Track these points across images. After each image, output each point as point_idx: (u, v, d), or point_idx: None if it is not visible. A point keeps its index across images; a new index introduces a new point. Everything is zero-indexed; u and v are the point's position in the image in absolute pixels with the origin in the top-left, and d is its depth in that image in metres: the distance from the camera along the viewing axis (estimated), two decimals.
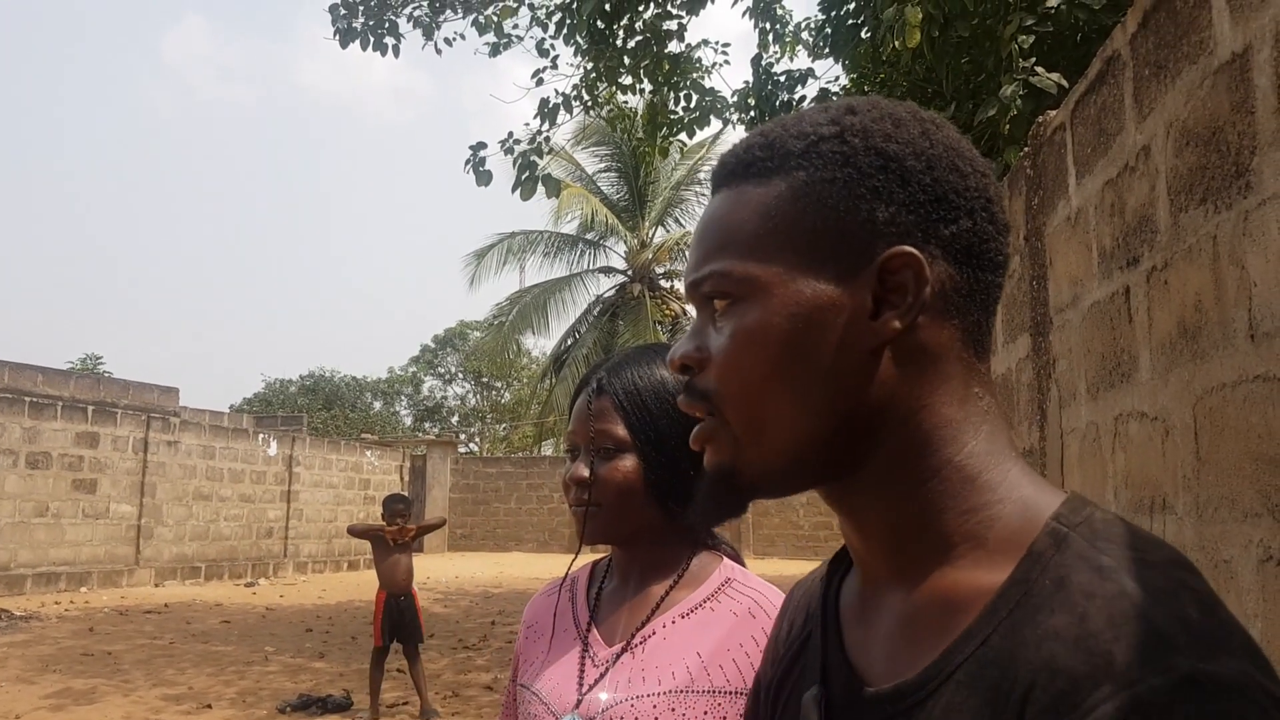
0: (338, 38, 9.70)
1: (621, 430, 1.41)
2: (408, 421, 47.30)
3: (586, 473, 1.41)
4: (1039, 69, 5.54)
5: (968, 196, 0.72)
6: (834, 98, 7.87)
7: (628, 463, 1.40)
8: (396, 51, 9.96)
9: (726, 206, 0.76)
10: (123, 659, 9.89)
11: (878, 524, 0.73)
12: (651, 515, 1.42)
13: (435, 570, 20.50)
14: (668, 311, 23.62)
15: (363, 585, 16.64)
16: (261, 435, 20.82)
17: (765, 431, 0.72)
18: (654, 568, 1.44)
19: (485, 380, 45.50)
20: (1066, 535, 0.65)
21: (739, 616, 1.36)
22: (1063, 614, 0.60)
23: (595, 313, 23.53)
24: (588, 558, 1.62)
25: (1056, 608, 0.61)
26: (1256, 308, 1.99)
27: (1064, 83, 5.13)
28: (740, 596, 1.38)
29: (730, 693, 1.30)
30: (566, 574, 1.58)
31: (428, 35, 10.16)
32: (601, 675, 1.38)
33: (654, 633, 1.38)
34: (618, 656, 1.38)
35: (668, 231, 24.55)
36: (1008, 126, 5.52)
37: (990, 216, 0.73)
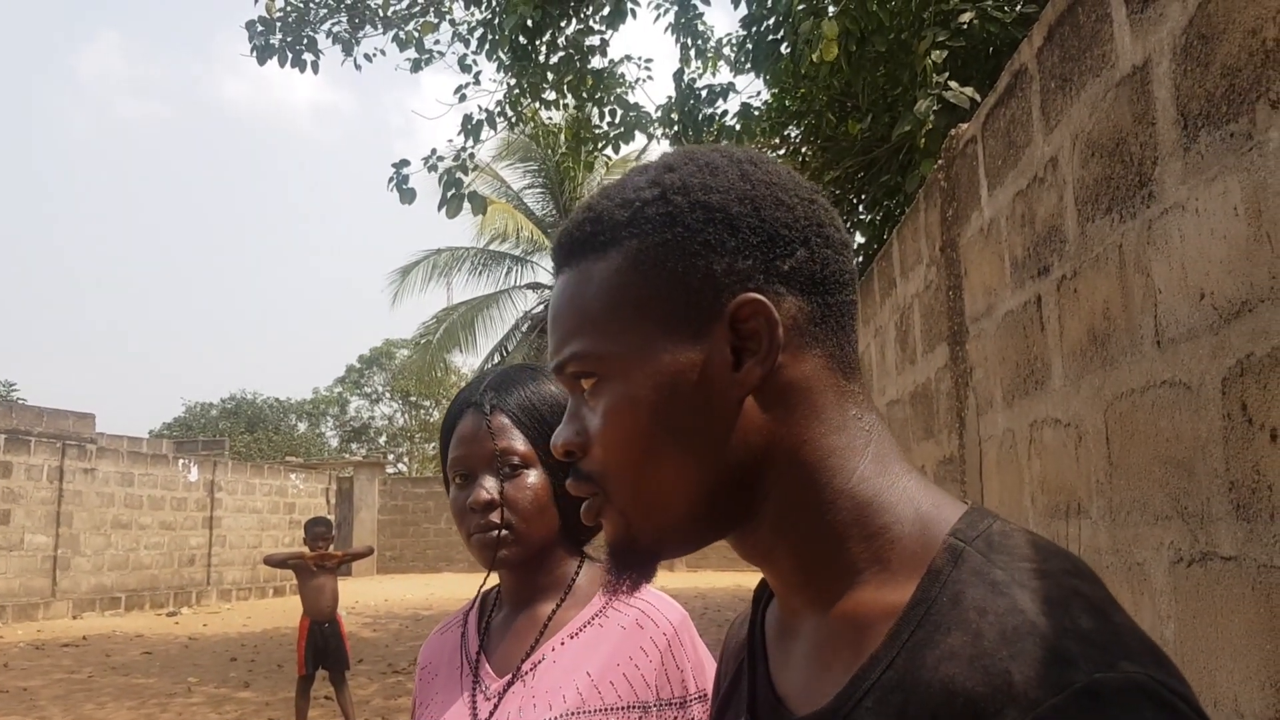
0: (255, 54, 9.54)
1: (523, 445, 1.38)
2: (334, 443, 46.62)
3: (494, 495, 1.37)
4: (953, 83, 5.64)
5: (798, 227, 0.73)
6: (755, 112, 7.97)
7: (534, 478, 1.38)
8: (316, 68, 9.81)
9: (572, 286, 0.76)
10: (39, 695, 9.55)
11: (785, 561, 0.74)
12: (551, 527, 1.40)
13: (364, 594, 20.15)
14: None
15: (289, 611, 16.30)
16: (182, 461, 20.32)
17: (653, 502, 0.73)
18: (541, 589, 1.43)
19: (413, 399, 45.01)
20: (962, 550, 0.66)
21: (626, 629, 1.34)
22: (958, 632, 0.61)
23: (523, 329, 23.42)
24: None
25: (952, 626, 0.62)
26: (1162, 314, 2.04)
27: (977, 96, 5.24)
28: (627, 609, 1.37)
29: (622, 708, 1.28)
30: (476, 598, 1.55)
31: (347, 51, 10.04)
32: (494, 708, 1.35)
33: (543, 658, 1.36)
34: (508, 687, 1.36)
35: None
36: (924, 140, 5.62)
37: (825, 240, 0.74)
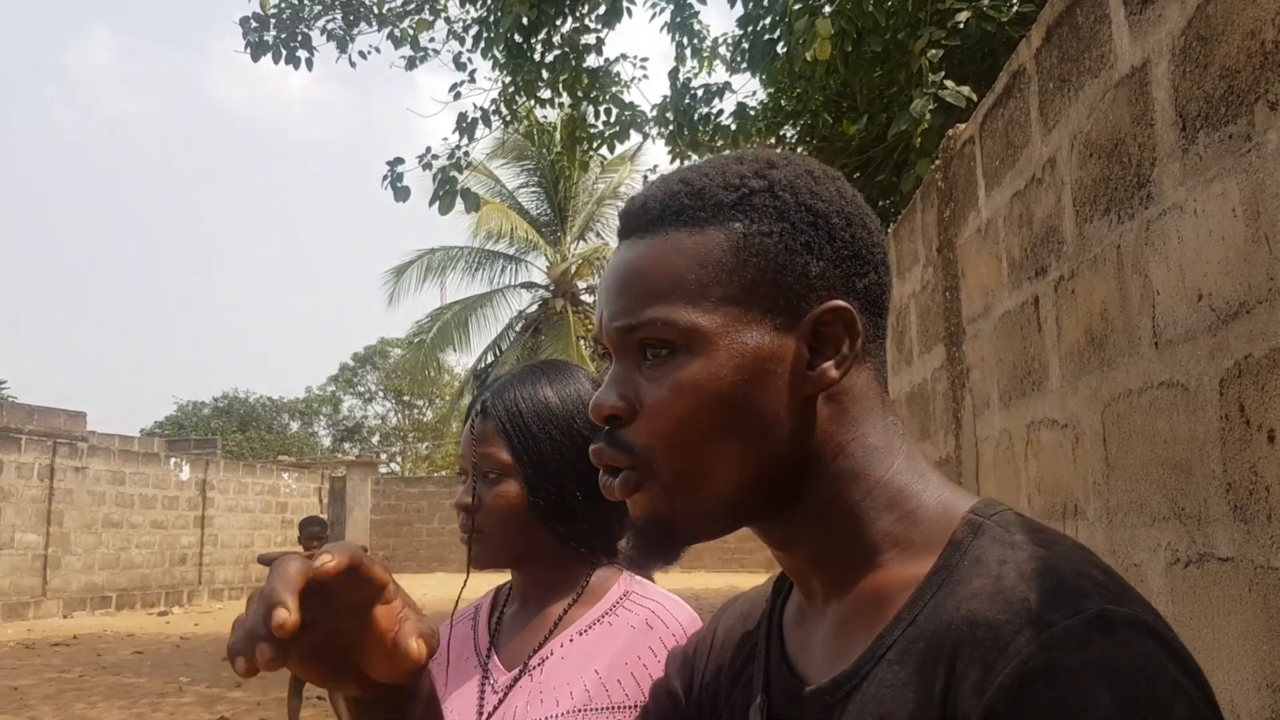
0: (249, 51, 9.51)
1: (504, 455, 1.39)
2: (326, 442, 46.54)
3: (470, 499, 1.39)
4: (949, 83, 5.65)
5: (875, 252, 0.77)
6: (751, 112, 7.97)
7: (511, 488, 1.38)
8: (310, 65, 9.79)
9: (658, 252, 0.76)
10: (29, 694, 9.52)
11: (813, 546, 0.77)
12: (540, 538, 1.40)
13: None
14: (590, 326, 23.59)
15: None
16: (174, 459, 20.28)
17: (702, 482, 0.74)
18: (553, 588, 1.43)
19: (406, 399, 44.97)
20: (982, 524, 0.71)
21: (636, 629, 1.34)
22: (979, 579, 0.66)
23: (517, 329, 23.40)
24: (493, 579, 1.59)
25: (974, 577, 0.67)
26: (1160, 315, 2.04)
27: (973, 96, 5.24)
28: (637, 608, 1.37)
29: (629, 707, 1.28)
30: (456, 605, 1.56)
31: (342, 48, 10.00)
32: (501, 700, 1.36)
33: (552, 653, 1.36)
34: (515, 681, 1.36)
35: (589, 245, 24.54)
36: (919, 139, 5.62)
37: (888, 267, 0.80)
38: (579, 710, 1.29)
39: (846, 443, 0.75)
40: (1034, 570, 0.64)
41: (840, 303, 0.74)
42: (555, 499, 1.36)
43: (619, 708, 1.29)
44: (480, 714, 1.36)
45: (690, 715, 0.91)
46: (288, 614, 0.64)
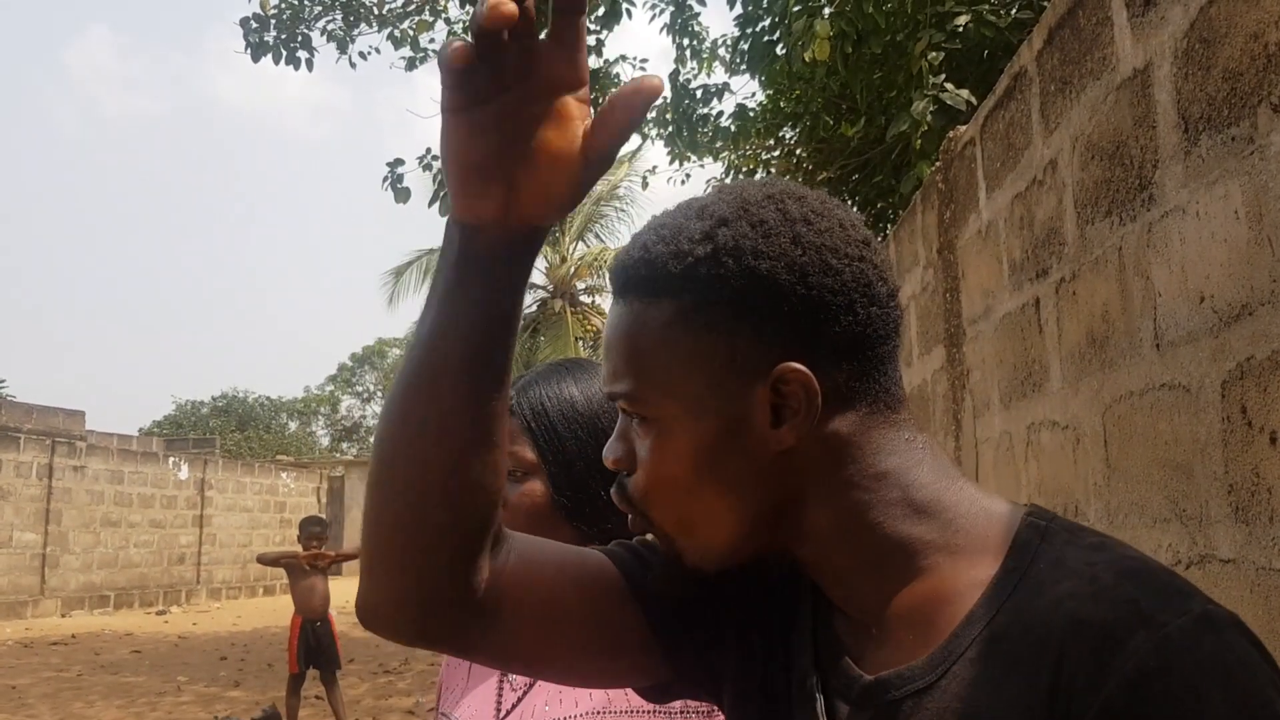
0: (249, 52, 9.51)
1: (529, 453, 1.38)
2: (325, 442, 46.53)
3: None
4: (948, 85, 5.66)
5: (844, 293, 0.74)
6: (751, 113, 7.98)
7: (535, 486, 1.37)
8: (310, 66, 9.79)
9: (626, 321, 0.79)
10: (27, 693, 9.51)
11: (842, 567, 0.78)
12: (565, 536, 1.39)
13: (355, 593, 20.10)
14: (589, 327, 23.58)
15: (279, 610, 16.24)
16: (172, 459, 20.27)
17: (695, 530, 0.78)
18: None
19: None
20: (1046, 528, 0.73)
21: None
22: (1070, 581, 0.67)
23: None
24: None
25: (1061, 579, 0.68)
26: (1161, 317, 2.04)
27: (973, 99, 5.25)
28: None
29: (647, 711, 1.28)
30: None
31: (342, 49, 10.01)
32: (519, 699, 1.35)
33: None
34: (535, 680, 1.35)
35: (588, 247, 24.53)
36: (919, 142, 5.63)
37: (871, 298, 0.76)
38: (599, 712, 1.28)
39: (847, 478, 0.76)
40: (1130, 570, 0.67)
41: (793, 365, 0.73)
42: (580, 498, 1.35)
43: (638, 711, 1.28)
44: (498, 711, 1.36)
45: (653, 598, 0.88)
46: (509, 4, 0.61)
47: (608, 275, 0.83)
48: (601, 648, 0.87)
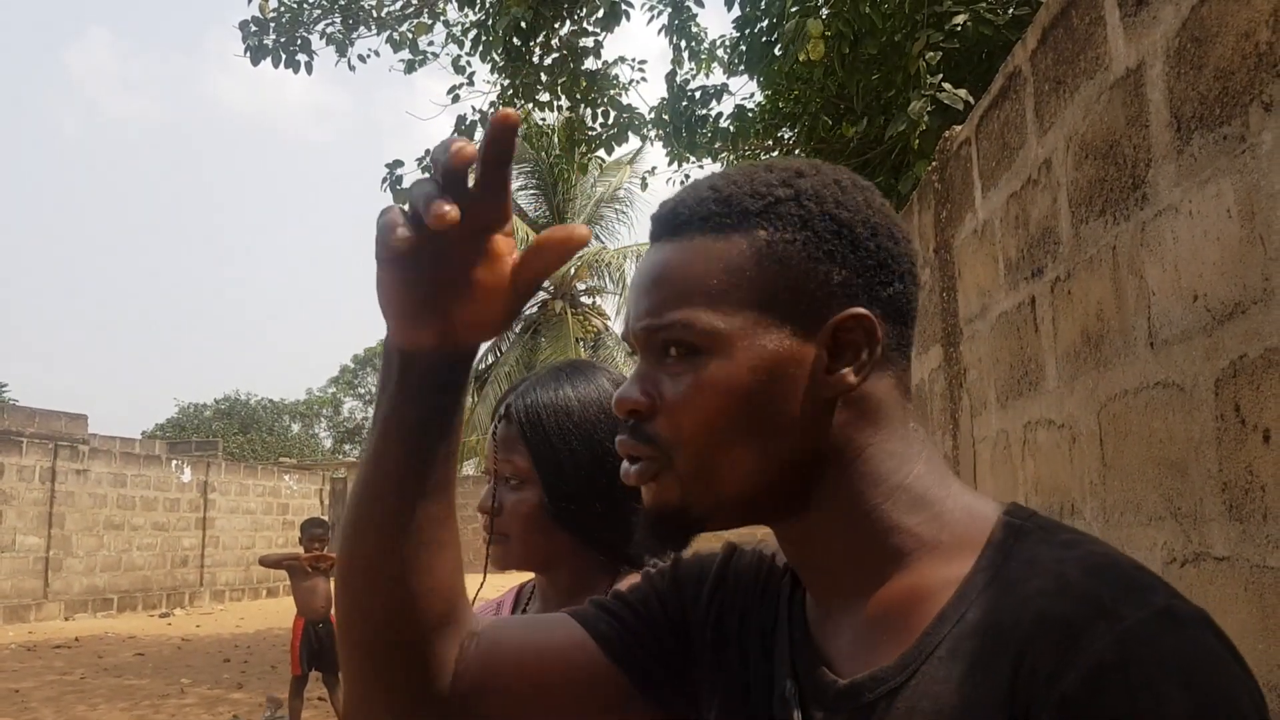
0: (248, 55, 9.52)
1: (524, 461, 1.38)
2: (328, 444, 46.54)
3: (490, 502, 1.39)
4: (946, 85, 5.66)
5: (901, 262, 0.79)
6: (750, 114, 7.97)
7: (531, 494, 1.38)
8: (309, 69, 9.79)
9: (683, 256, 0.78)
10: (31, 697, 9.51)
11: (832, 547, 0.78)
12: (562, 542, 1.39)
13: None
14: (590, 328, 23.60)
15: (282, 612, 16.24)
16: (175, 461, 20.27)
17: (718, 476, 0.77)
18: (575, 592, 1.41)
19: None
20: (1022, 527, 0.73)
21: None
22: (1039, 579, 0.68)
23: (516, 330, 23.39)
24: (509, 579, 1.59)
25: (1032, 577, 0.68)
26: (1155, 316, 2.04)
27: (970, 98, 5.25)
28: None
29: None
30: (473, 603, 1.54)
31: (341, 52, 10.01)
32: None
33: None
34: None
35: (588, 248, 24.53)
36: (917, 141, 5.63)
37: (914, 278, 0.81)
38: None
39: (865, 446, 0.77)
40: (1096, 566, 0.67)
41: (861, 310, 0.76)
42: (575, 505, 1.35)
43: None
44: None
45: (666, 634, 0.91)
46: (451, 209, 0.65)
47: (653, 219, 0.83)
48: (583, 712, 0.89)
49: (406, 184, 9.30)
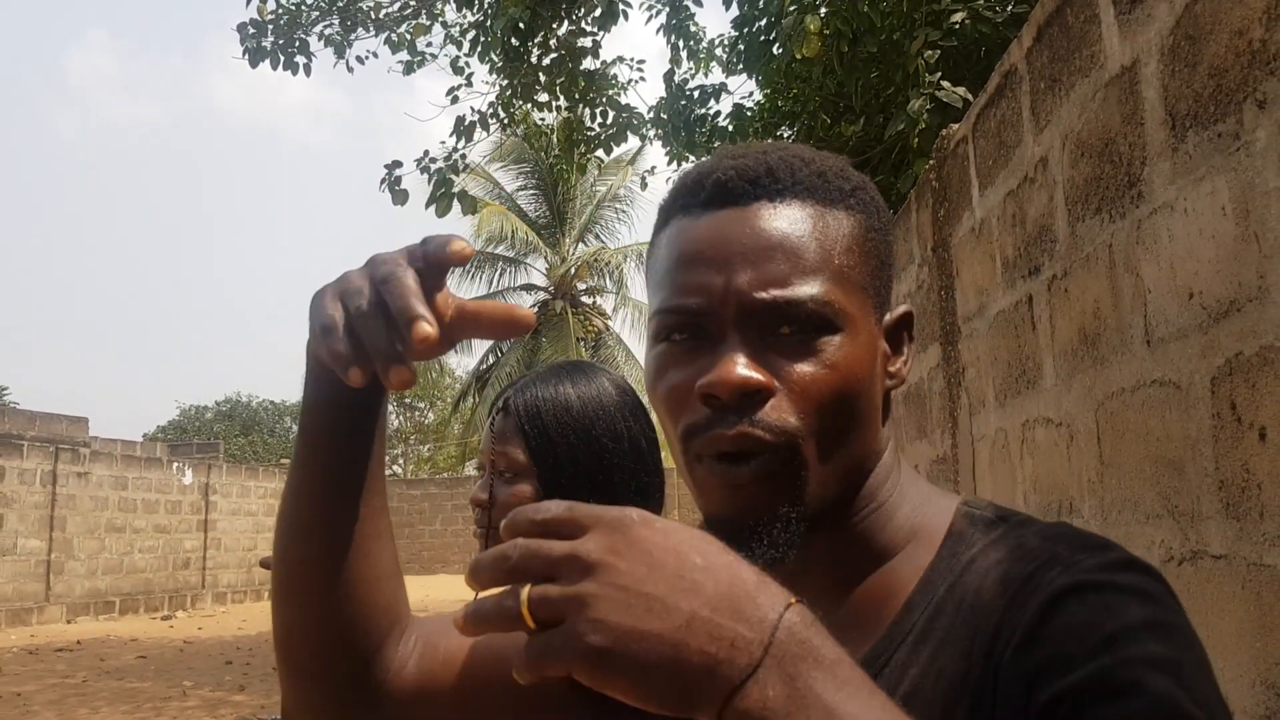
0: (247, 57, 9.52)
1: (521, 454, 1.38)
2: None
3: (484, 495, 1.39)
4: (945, 83, 5.65)
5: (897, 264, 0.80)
6: (748, 113, 7.97)
7: (525, 488, 1.37)
8: (308, 71, 9.79)
9: (801, 223, 0.71)
10: (33, 700, 9.51)
11: (819, 553, 0.75)
12: None
13: None
14: (590, 328, 23.60)
15: None
16: (176, 464, 20.27)
17: (841, 467, 0.72)
18: None
19: (408, 401, 44.93)
20: (980, 516, 0.74)
21: None
22: (999, 551, 0.68)
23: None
24: None
25: (991, 552, 0.69)
26: (1151, 314, 2.04)
27: (969, 97, 5.24)
28: None
29: None
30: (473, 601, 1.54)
31: (339, 54, 10.01)
32: None
33: None
34: None
35: (587, 247, 24.54)
36: (916, 140, 5.62)
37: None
38: None
39: (887, 440, 0.78)
40: (1055, 533, 0.68)
41: (908, 306, 0.78)
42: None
43: None
44: None
45: None
46: (430, 328, 0.63)
47: (732, 179, 0.73)
48: (526, 711, 0.88)
49: (405, 184, 9.33)
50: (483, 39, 9.23)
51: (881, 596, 0.73)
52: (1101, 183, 2.28)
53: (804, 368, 0.69)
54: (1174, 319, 1.94)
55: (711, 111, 8.59)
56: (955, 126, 3.77)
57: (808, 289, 0.69)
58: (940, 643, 0.67)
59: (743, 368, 0.68)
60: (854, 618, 0.73)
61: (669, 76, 8.77)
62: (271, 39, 9.53)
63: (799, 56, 5.88)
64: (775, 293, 0.68)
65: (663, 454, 1.33)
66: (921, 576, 0.71)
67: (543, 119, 10.92)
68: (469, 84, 10.25)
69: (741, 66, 8.01)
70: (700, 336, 0.71)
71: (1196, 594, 1.89)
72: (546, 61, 9.25)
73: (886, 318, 0.76)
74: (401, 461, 44.91)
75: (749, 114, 8.06)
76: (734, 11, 7.74)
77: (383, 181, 9.35)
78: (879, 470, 0.76)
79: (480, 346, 23.50)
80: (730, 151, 0.76)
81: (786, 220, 0.71)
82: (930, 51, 5.77)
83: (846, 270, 0.71)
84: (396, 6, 10.12)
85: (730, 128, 8.04)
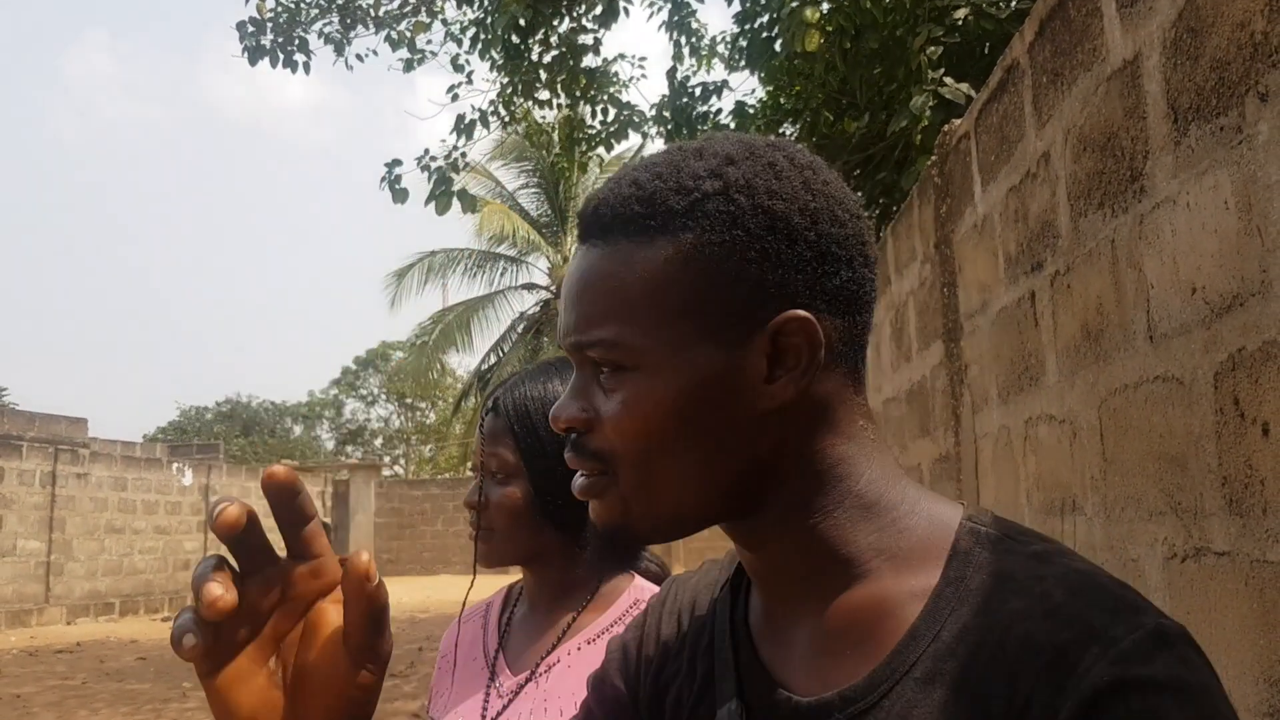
0: (246, 55, 9.51)
1: (512, 455, 1.37)
2: (330, 446, 46.64)
3: (477, 498, 1.38)
4: (948, 79, 5.65)
5: (847, 246, 0.72)
6: (750, 110, 7.96)
7: (517, 488, 1.37)
8: (307, 69, 9.78)
9: (605, 266, 0.73)
10: (32, 702, 9.51)
11: (785, 554, 0.74)
12: (549, 539, 1.38)
13: None
14: None
15: None
16: (176, 465, 20.27)
17: (660, 492, 0.73)
18: (563, 591, 1.41)
19: (409, 401, 44.96)
20: (985, 534, 0.70)
21: None
22: (1019, 599, 0.65)
23: (519, 330, 23.40)
24: (496, 582, 1.59)
25: (1009, 595, 0.65)
26: (1154, 309, 2.03)
27: (972, 93, 5.23)
28: None
29: None
30: (464, 604, 1.53)
31: (339, 51, 10.01)
32: (505, 706, 1.34)
33: (559, 660, 1.35)
34: (521, 686, 1.35)
35: None
36: (919, 137, 5.62)
37: (865, 260, 0.74)
38: None
39: (810, 453, 0.72)
40: (1080, 585, 0.65)
41: (800, 313, 0.70)
42: (561, 500, 1.34)
43: None
44: (483, 717, 1.35)
45: (636, 711, 0.87)
46: (222, 591, 0.59)
47: (579, 217, 0.77)
48: None
49: (405, 183, 9.32)
50: (483, 36, 9.23)
51: (874, 614, 0.70)
52: (1104, 177, 2.27)
53: (609, 404, 0.72)
54: (1176, 314, 1.93)
55: (714, 109, 8.58)
56: (957, 122, 3.75)
57: (597, 333, 0.72)
58: (953, 690, 0.64)
59: (564, 405, 0.75)
60: (841, 632, 0.71)
61: (671, 73, 8.76)
62: (271, 37, 9.52)
63: (798, 50, 5.87)
64: (577, 337, 0.73)
65: None
66: (926, 603, 0.68)
67: (543, 117, 10.92)
68: (469, 81, 10.24)
69: (744, 63, 7.99)
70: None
71: (1200, 591, 1.87)
72: (547, 59, 9.23)
73: (758, 335, 0.70)
74: (403, 462, 44.94)
75: (751, 111, 8.05)
76: (736, 8, 7.73)
77: (382, 180, 9.35)
78: (801, 481, 0.72)
79: (481, 346, 23.51)
80: (615, 174, 0.77)
81: (594, 263, 0.73)
82: (933, 47, 5.77)
83: (651, 306, 0.70)
84: (396, 4, 10.12)
85: (732, 125, 8.03)
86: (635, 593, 1.38)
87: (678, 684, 0.83)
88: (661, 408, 0.71)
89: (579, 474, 0.77)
